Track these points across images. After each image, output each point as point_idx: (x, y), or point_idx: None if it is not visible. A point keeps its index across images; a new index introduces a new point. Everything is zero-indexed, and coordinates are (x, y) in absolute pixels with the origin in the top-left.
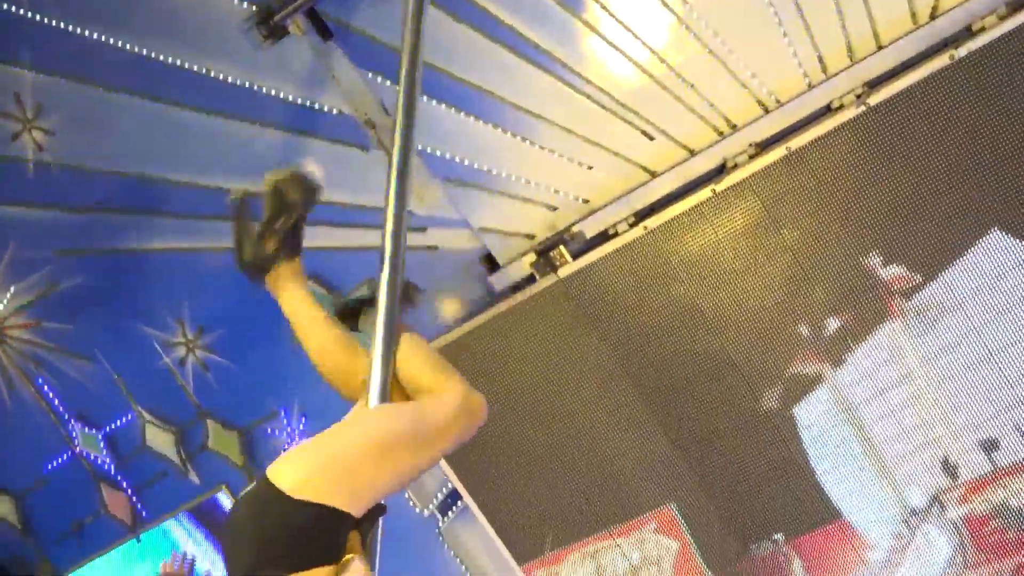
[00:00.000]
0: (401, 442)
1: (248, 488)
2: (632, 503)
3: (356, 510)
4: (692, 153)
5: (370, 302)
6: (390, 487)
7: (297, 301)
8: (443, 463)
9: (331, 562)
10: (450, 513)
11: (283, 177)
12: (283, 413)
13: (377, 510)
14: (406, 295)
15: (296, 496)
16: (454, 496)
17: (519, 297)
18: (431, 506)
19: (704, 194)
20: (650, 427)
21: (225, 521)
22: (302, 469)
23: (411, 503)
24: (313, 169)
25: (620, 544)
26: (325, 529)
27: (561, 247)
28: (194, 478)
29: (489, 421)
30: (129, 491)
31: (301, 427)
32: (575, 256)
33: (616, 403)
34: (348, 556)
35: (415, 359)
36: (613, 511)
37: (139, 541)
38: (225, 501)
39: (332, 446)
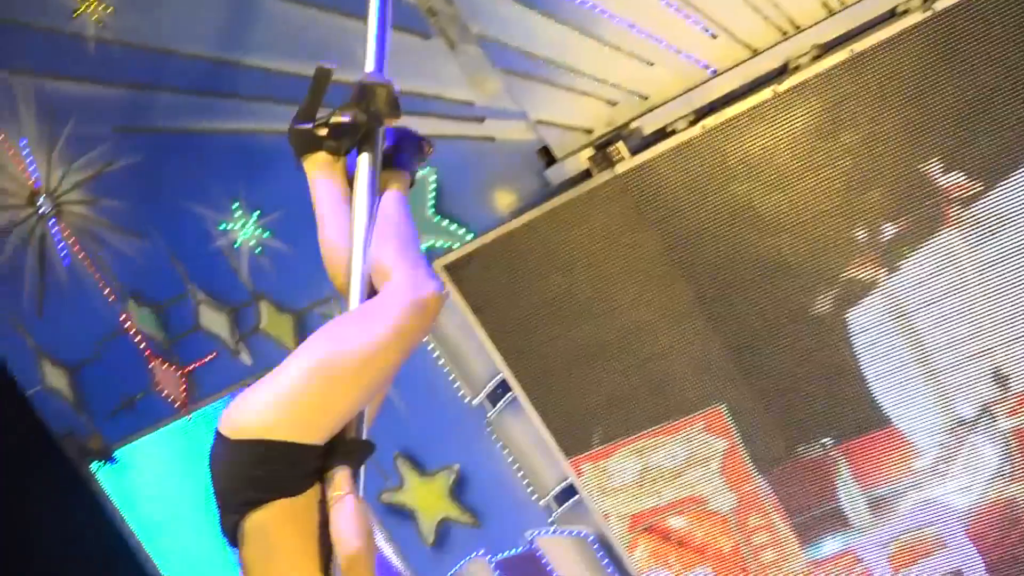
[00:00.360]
0: (346, 359)
1: None
2: (681, 402)
3: (314, 438)
4: (754, 53)
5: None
6: (348, 406)
7: (320, 194)
8: (495, 353)
9: (291, 493)
10: (500, 403)
11: (379, 83)
12: (339, 299)
13: (365, 448)
14: (420, 151)
15: (235, 438)
16: (504, 387)
17: (574, 192)
18: (481, 395)
19: (765, 95)
20: (702, 327)
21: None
22: (242, 407)
23: (460, 392)
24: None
25: (668, 442)
26: (278, 465)
27: (619, 143)
28: (246, 359)
29: (543, 316)
30: (181, 369)
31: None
32: (633, 153)
33: (669, 302)
34: (337, 492)
35: (384, 235)
36: (662, 409)
37: (190, 419)
38: None
39: (273, 381)
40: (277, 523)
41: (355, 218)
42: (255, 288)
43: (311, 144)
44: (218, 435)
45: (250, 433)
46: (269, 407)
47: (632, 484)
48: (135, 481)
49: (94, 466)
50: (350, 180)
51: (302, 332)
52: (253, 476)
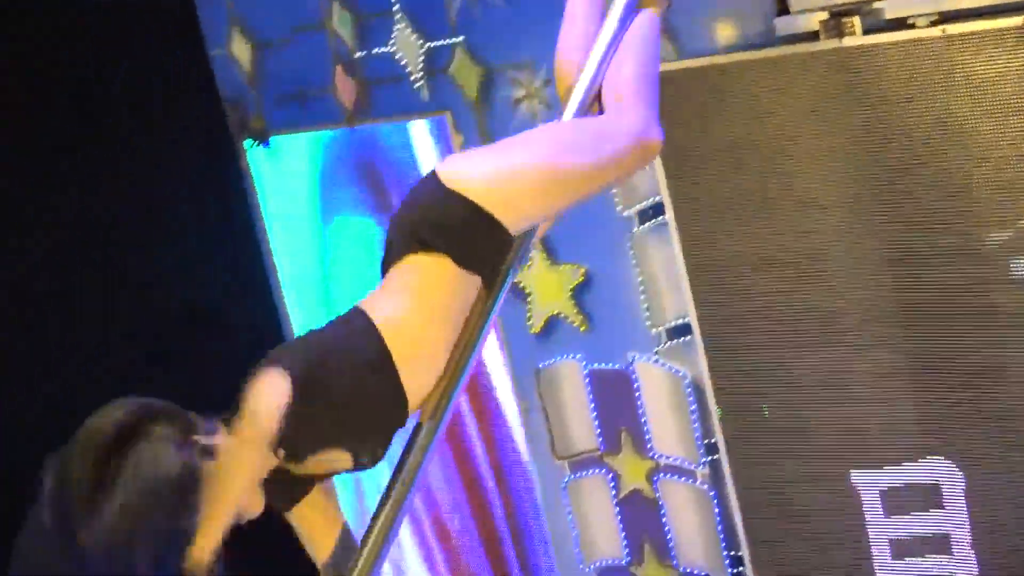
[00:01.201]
0: (569, 172)
1: None
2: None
3: (512, 228)
4: None
5: None
6: (549, 213)
7: None
8: (660, 174)
9: (464, 262)
10: (648, 223)
11: None
12: (533, 68)
13: None
14: None
15: (449, 185)
16: (658, 209)
17: (796, 48)
18: (632, 209)
19: (1014, 21)
20: (874, 229)
21: None
22: (464, 163)
23: (615, 199)
24: None
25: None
26: (475, 231)
27: (856, 16)
28: (424, 94)
29: (719, 158)
30: (360, 82)
31: (540, 86)
32: (865, 32)
33: (850, 186)
34: None
35: (630, 55)
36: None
37: (352, 131)
38: (444, 129)
39: (500, 157)
40: (436, 273)
41: (605, 26)
42: (458, 30)
43: None
44: (433, 175)
45: (466, 190)
46: (492, 179)
47: None
48: (280, 175)
49: (247, 143)
50: None
51: (486, 89)
52: (446, 224)
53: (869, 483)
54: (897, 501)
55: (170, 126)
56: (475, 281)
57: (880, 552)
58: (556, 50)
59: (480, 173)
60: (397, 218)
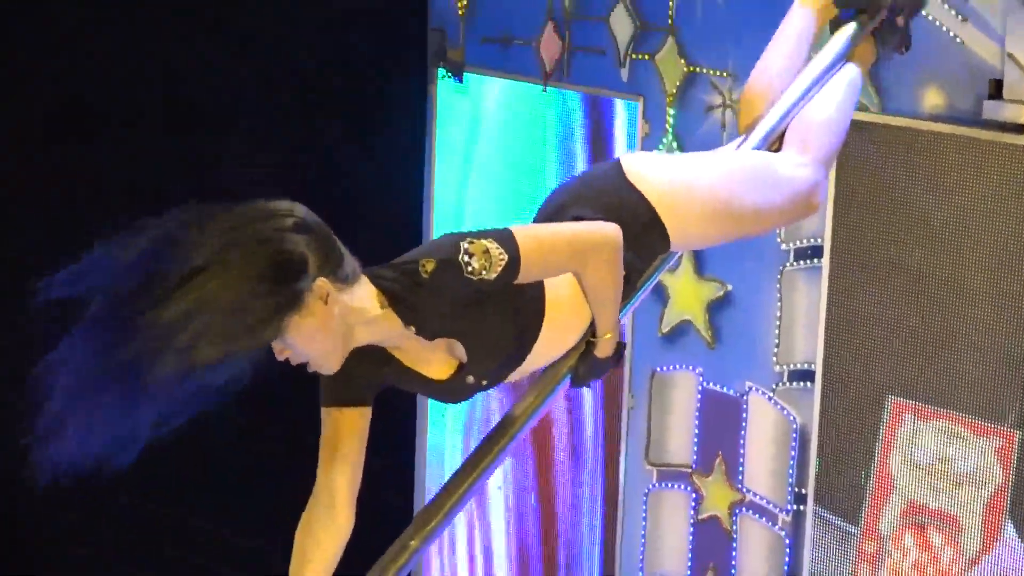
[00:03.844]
0: (740, 210)
1: None
2: (987, 401)
3: (675, 242)
4: None
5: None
6: (709, 241)
7: (794, 19)
8: (829, 224)
9: (635, 272)
10: (802, 262)
11: None
12: (736, 78)
13: (619, 349)
14: (902, 43)
15: (630, 178)
16: (816, 251)
17: (998, 135)
18: (792, 244)
19: None
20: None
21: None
22: (650, 165)
23: (778, 230)
24: None
25: (963, 437)
26: (641, 228)
27: None
28: (623, 74)
29: (888, 223)
30: (566, 46)
31: (737, 98)
32: None
33: (1000, 287)
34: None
35: (827, 105)
36: (963, 396)
37: (544, 91)
38: (633, 114)
39: (688, 166)
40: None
41: (808, 68)
42: (674, 23)
43: None
44: (618, 164)
45: (645, 189)
46: (672, 188)
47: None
48: (464, 116)
49: (441, 72)
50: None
51: (685, 86)
52: (611, 213)
53: None
54: None
55: (374, 37)
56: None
57: None
58: (753, 72)
59: (663, 178)
60: (569, 190)
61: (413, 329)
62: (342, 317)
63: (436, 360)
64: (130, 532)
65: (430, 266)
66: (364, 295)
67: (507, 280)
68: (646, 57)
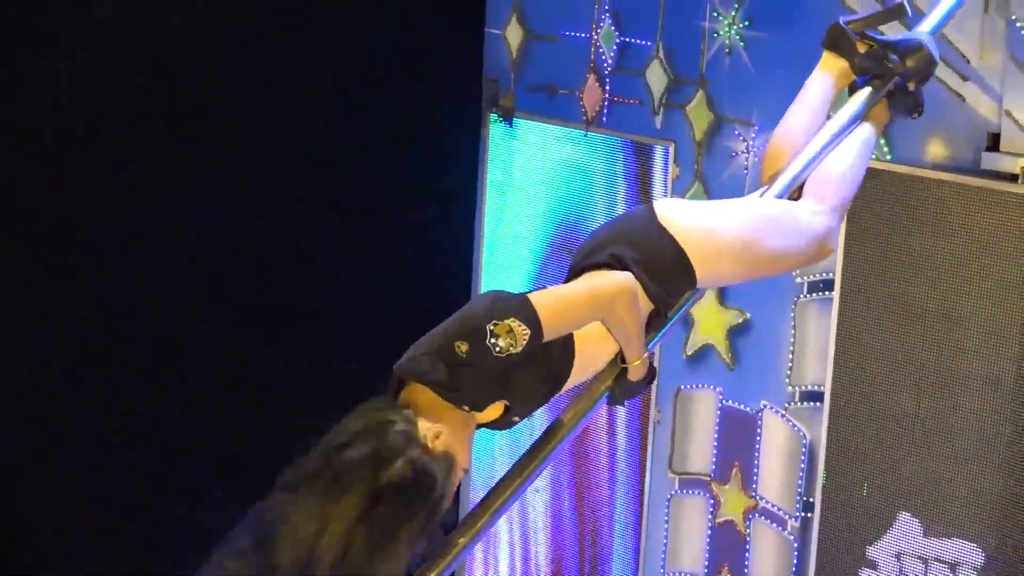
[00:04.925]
0: (759, 254)
1: None
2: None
3: (700, 280)
4: None
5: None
6: (730, 275)
7: (814, 83)
8: (840, 261)
9: (649, 289)
10: (814, 294)
11: (927, 51)
12: (757, 128)
13: (651, 372)
14: (914, 109)
15: (663, 222)
16: (828, 284)
17: (995, 184)
18: (805, 278)
19: None
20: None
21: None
22: (680, 210)
23: None
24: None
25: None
26: (671, 269)
27: None
28: (658, 122)
29: (895, 262)
30: (606, 95)
31: (758, 146)
32: None
33: (1000, 323)
34: None
35: (844, 160)
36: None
37: (585, 135)
38: (656, 157)
39: (716, 213)
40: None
41: (827, 127)
42: (704, 76)
43: (842, 48)
44: (650, 209)
45: (676, 233)
46: (700, 233)
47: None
48: (514, 161)
49: (493, 117)
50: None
51: (712, 133)
52: (644, 252)
53: None
54: None
55: (436, 85)
56: (647, 310)
57: None
58: (776, 129)
59: (693, 223)
60: (608, 230)
61: (467, 408)
62: (445, 438)
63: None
64: (131, 528)
65: (464, 348)
66: (429, 405)
67: (533, 346)
68: (678, 107)
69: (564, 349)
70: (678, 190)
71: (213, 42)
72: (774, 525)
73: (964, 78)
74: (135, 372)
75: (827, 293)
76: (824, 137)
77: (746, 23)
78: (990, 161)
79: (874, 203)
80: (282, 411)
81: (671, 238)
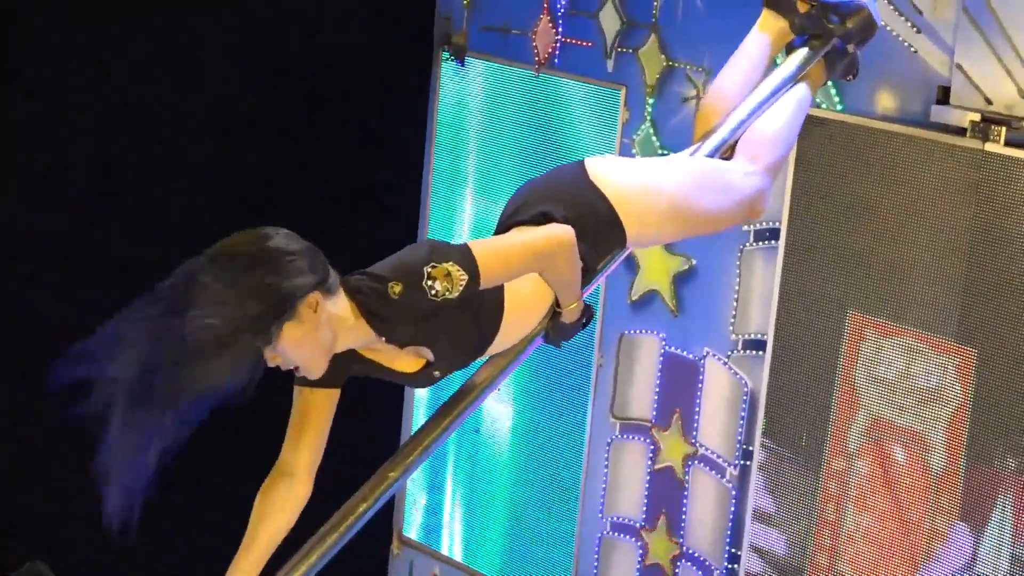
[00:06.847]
0: (693, 212)
1: None
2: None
3: (630, 238)
4: None
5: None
6: (661, 239)
7: (752, 41)
8: (786, 210)
9: (592, 263)
10: (761, 243)
11: (870, 14)
12: (708, 73)
13: (586, 314)
14: (849, 71)
15: (593, 179)
16: (774, 233)
17: (943, 137)
18: (751, 226)
19: None
20: (954, 310)
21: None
22: (612, 168)
23: None
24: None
25: (923, 351)
26: (600, 224)
27: (1003, 127)
28: (610, 66)
29: (840, 212)
30: (559, 35)
31: (706, 86)
32: (1007, 143)
33: (944, 271)
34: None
35: (778, 120)
36: (922, 314)
37: (536, 76)
38: (606, 94)
39: (648, 170)
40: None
41: (761, 86)
42: (657, 21)
43: (783, 7)
44: (581, 164)
45: (605, 189)
46: (632, 190)
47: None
48: (463, 98)
49: (445, 55)
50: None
51: (665, 80)
52: (575, 208)
53: None
54: None
55: (386, 21)
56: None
57: None
58: (710, 87)
59: (624, 180)
60: (537, 187)
61: (384, 339)
62: (327, 324)
63: (404, 356)
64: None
65: (398, 288)
66: (343, 306)
67: (469, 293)
68: (630, 51)
69: (495, 308)
70: (627, 134)
71: None
72: (713, 472)
73: (917, 30)
74: None
75: (773, 242)
76: (758, 96)
77: None
78: (939, 114)
79: (823, 153)
80: None
81: (603, 196)
